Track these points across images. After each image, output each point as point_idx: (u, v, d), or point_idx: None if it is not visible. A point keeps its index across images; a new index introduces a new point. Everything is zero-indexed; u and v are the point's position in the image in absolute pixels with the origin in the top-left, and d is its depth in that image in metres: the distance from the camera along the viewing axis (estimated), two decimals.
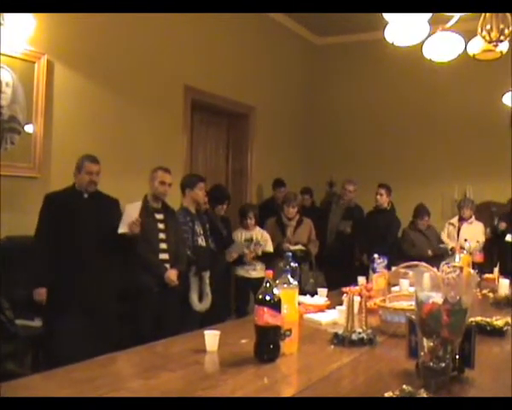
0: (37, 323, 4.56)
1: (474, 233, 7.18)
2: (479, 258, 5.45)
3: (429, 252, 7.06)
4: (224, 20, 7.35)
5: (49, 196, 4.61)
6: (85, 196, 4.61)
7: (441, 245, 7.29)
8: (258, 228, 6.39)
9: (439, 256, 6.53)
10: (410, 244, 7.36)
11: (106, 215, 4.67)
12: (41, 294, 4.39)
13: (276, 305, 2.28)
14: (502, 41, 3.13)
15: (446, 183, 8.44)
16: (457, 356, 2.07)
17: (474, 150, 8.39)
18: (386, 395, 1.73)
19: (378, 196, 7.38)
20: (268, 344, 2.29)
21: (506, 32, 3.07)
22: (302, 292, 3.62)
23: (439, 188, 8.44)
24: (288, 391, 2.05)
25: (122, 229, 4.63)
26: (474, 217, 7.53)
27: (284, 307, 2.34)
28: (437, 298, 2.02)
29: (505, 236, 7.13)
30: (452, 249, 6.39)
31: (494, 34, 3.08)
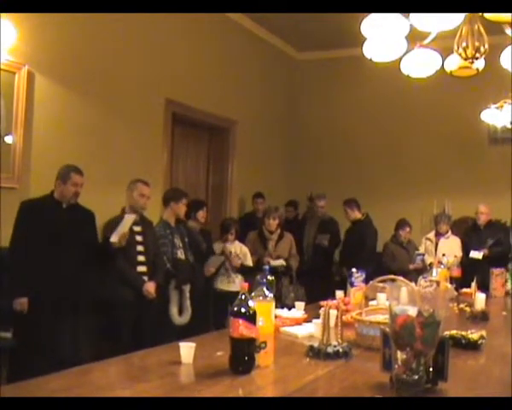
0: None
1: (451, 248, 7.24)
2: (456, 273, 5.52)
3: (410, 266, 7.09)
4: (205, 35, 7.40)
5: (25, 203, 4.54)
6: (64, 206, 4.56)
7: (417, 253, 7.32)
8: (237, 242, 6.40)
9: (419, 270, 6.59)
10: (390, 258, 7.39)
11: (83, 227, 4.65)
12: (22, 303, 4.28)
13: (251, 317, 2.27)
14: (477, 58, 3.18)
15: (425, 198, 8.49)
16: (431, 368, 2.08)
17: (453, 166, 8.47)
18: None
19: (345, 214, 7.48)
20: (243, 356, 2.29)
21: (482, 49, 3.12)
22: (282, 306, 3.65)
23: (418, 203, 8.49)
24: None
25: (113, 238, 4.63)
26: (450, 232, 7.60)
27: (259, 320, 2.34)
28: (412, 311, 2.04)
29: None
30: (431, 264, 6.44)
31: (470, 51, 3.12)
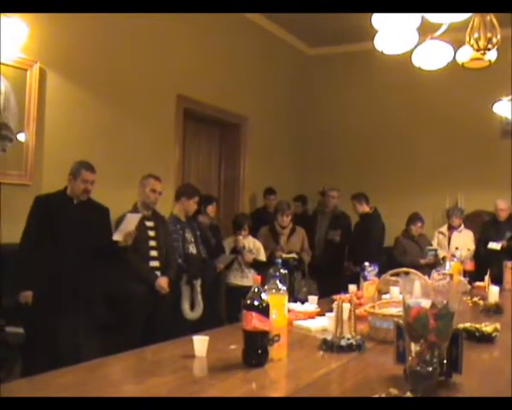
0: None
1: (464, 241, 7.21)
2: (470, 266, 5.49)
3: (421, 261, 7.05)
4: (216, 31, 7.39)
5: (39, 198, 4.56)
6: (75, 202, 4.55)
7: (429, 249, 7.28)
8: (250, 237, 6.40)
9: (430, 265, 6.55)
10: (401, 252, 7.36)
11: (94, 222, 4.62)
12: (27, 296, 4.29)
13: (264, 310, 2.27)
14: (489, 49, 3.16)
15: (437, 192, 8.46)
16: (445, 361, 2.07)
17: (465, 160, 8.43)
18: None
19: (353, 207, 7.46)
20: (256, 349, 2.29)
21: (494, 40, 3.10)
22: (295, 300, 3.65)
23: (430, 197, 8.45)
24: (275, 396, 2.05)
25: (116, 236, 4.61)
26: (463, 225, 7.56)
27: (273, 313, 2.34)
28: (425, 304, 2.03)
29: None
30: (444, 258, 6.41)
31: (482, 43, 3.11)
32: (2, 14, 4.77)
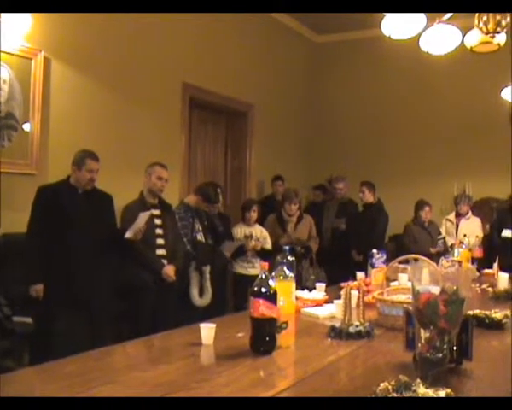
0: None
1: (472, 229, 7.16)
2: (478, 253, 5.45)
3: (431, 250, 7.00)
4: (223, 18, 7.33)
5: (41, 188, 4.51)
6: (80, 191, 4.53)
7: (439, 237, 7.24)
8: (257, 225, 6.38)
9: (440, 253, 6.52)
10: (411, 240, 7.31)
11: (100, 211, 4.61)
12: (37, 290, 4.29)
13: (271, 297, 2.25)
14: (499, 32, 3.12)
15: (445, 179, 8.41)
16: (455, 348, 2.05)
17: (474, 147, 8.36)
18: (382, 385, 1.71)
19: (360, 194, 7.40)
20: (264, 336, 2.27)
21: (503, 23, 3.06)
22: (303, 288, 3.63)
23: (438, 185, 8.41)
24: (283, 384, 2.03)
25: (128, 234, 4.62)
26: (470, 212, 7.52)
27: (280, 300, 2.32)
28: (434, 290, 2.01)
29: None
30: (452, 246, 6.37)
31: (491, 26, 3.06)
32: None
